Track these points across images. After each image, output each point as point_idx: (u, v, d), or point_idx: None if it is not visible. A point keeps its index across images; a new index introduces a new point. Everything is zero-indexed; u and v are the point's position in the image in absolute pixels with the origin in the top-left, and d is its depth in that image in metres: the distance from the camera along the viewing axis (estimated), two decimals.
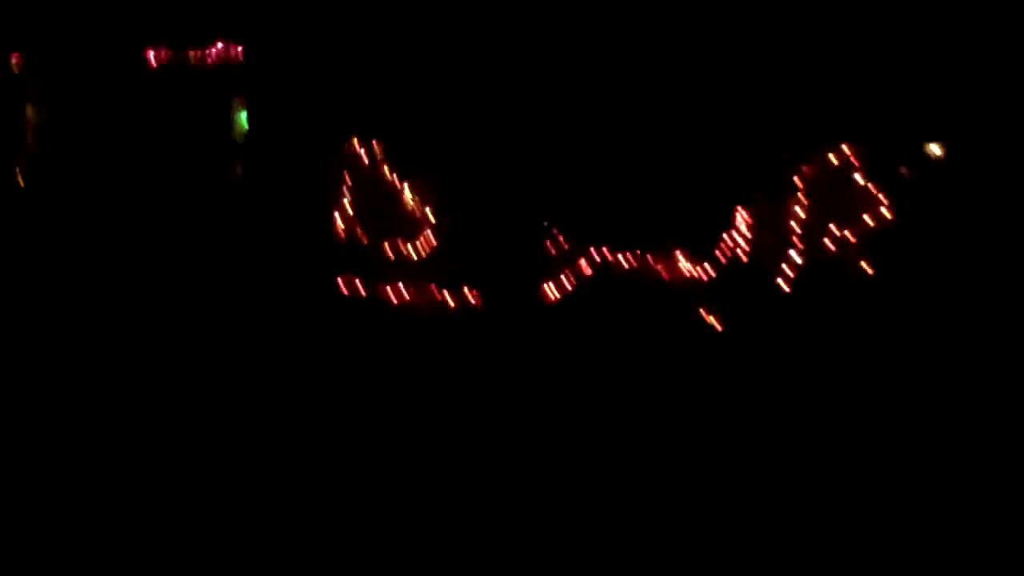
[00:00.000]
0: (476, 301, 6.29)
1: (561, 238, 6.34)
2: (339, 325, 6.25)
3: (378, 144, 6.38)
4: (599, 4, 6.35)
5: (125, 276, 6.26)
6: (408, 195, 6.39)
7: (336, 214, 6.37)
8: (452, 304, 6.29)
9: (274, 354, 6.18)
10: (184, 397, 6.03)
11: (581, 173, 6.33)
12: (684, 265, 6.31)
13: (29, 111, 6.36)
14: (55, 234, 6.32)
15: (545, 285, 6.32)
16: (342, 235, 6.37)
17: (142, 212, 6.34)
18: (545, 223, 6.35)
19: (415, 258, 6.35)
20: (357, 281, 6.32)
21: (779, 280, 6.26)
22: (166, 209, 6.35)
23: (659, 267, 6.32)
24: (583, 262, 6.34)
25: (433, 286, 6.33)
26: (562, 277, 6.32)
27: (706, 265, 6.32)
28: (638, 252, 6.33)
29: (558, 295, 6.32)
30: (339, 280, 6.32)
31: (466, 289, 6.30)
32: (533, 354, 6.22)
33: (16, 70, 6.33)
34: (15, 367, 6.03)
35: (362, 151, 6.38)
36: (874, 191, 6.24)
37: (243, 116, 6.46)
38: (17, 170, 6.35)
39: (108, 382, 6.04)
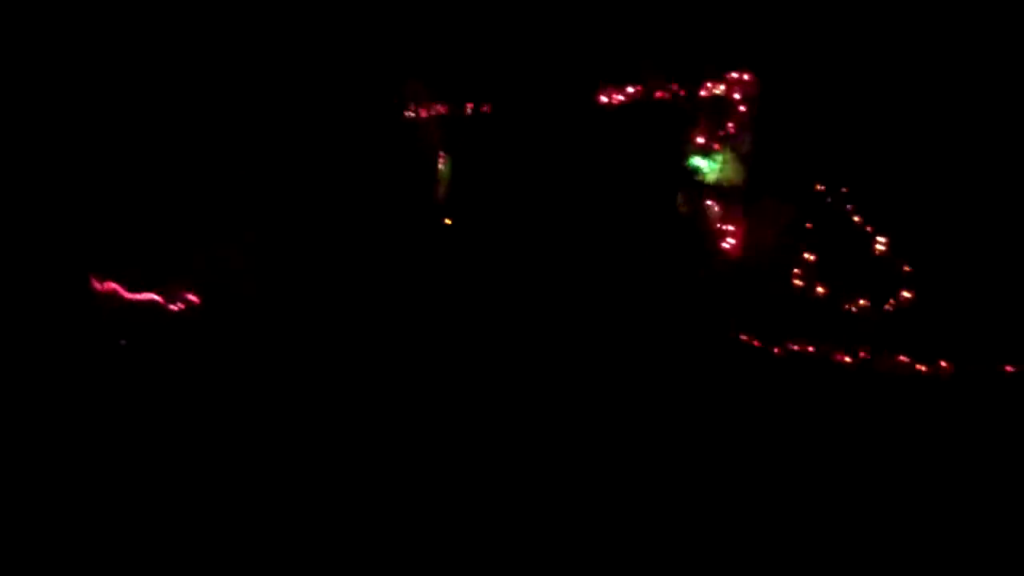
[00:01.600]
0: (949, 368, 5.08)
1: None
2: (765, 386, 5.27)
3: (847, 190, 5.47)
4: None
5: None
6: (881, 246, 5.37)
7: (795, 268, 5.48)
8: (923, 370, 5.11)
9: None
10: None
11: None
12: None
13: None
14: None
15: None
16: (796, 286, 5.44)
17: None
18: None
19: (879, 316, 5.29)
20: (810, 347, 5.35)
21: None
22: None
23: None
24: None
25: (903, 357, 5.20)
26: None
27: None
28: None
29: None
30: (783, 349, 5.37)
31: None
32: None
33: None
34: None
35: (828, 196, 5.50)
36: None
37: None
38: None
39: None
